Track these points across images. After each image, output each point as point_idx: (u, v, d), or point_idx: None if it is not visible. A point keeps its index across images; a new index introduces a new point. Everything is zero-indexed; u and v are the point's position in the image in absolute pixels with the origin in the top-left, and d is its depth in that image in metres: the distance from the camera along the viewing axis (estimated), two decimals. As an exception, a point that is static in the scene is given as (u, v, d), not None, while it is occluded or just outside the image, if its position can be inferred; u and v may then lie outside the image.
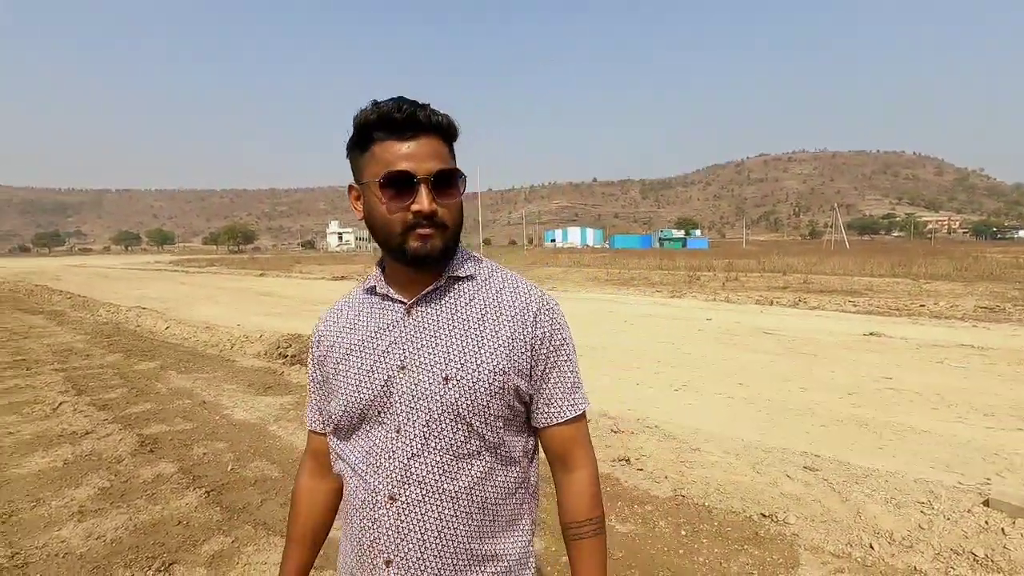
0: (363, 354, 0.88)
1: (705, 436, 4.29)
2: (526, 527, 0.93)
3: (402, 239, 0.83)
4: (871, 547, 2.68)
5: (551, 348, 0.89)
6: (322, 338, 0.95)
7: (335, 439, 0.94)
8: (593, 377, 6.14)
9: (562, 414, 0.90)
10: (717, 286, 17.75)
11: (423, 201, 0.80)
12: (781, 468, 3.57)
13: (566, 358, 0.91)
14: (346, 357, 0.90)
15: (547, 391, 0.89)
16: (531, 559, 0.94)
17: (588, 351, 7.75)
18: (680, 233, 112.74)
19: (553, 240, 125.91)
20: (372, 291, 0.93)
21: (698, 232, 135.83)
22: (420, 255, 0.83)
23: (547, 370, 0.89)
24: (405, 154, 0.81)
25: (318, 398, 0.98)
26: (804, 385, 5.91)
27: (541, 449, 0.96)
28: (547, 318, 0.89)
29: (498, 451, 0.87)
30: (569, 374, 0.91)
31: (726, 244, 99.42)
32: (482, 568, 0.87)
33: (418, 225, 0.81)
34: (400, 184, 0.80)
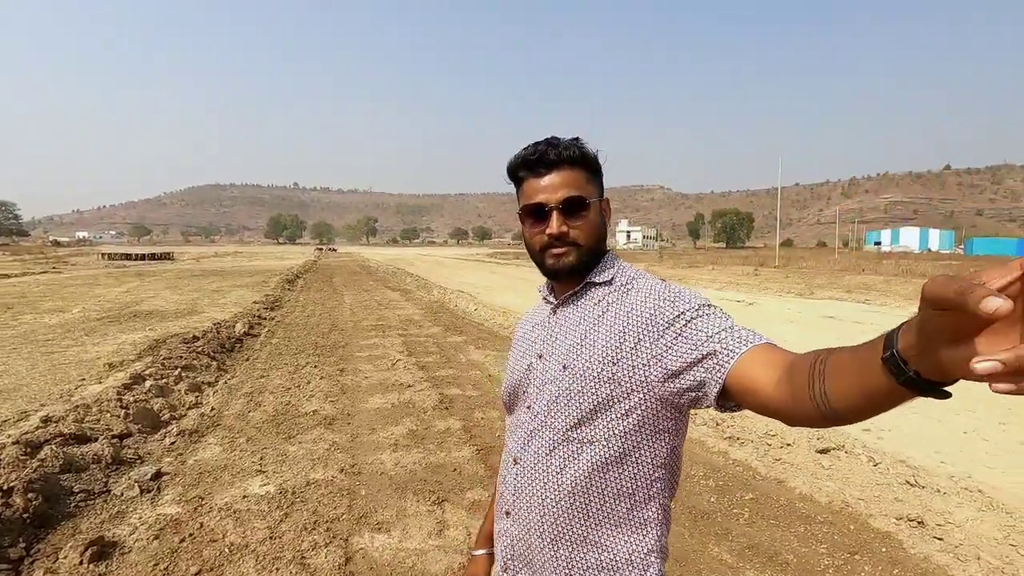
0: (522, 344, 1.08)
1: (1065, 521, 3.11)
2: (649, 535, 0.90)
3: (541, 257, 0.98)
4: None
5: (682, 324, 0.83)
6: (515, 330, 1.17)
7: (506, 415, 1.11)
8: (897, 414, 5.00)
9: (733, 352, 0.77)
10: None
11: (553, 225, 0.94)
12: None
13: (706, 320, 0.83)
14: (515, 345, 1.11)
15: (701, 351, 0.80)
16: (651, 572, 0.90)
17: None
18: (1093, 237, 79.39)
19: (878, 243, 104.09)
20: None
21: None
22: (554, 270, 0.98)
23: (687, 341, 0.82)
24: (540, 187, 0.96)
25: None
26: None
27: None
28: (667, 306, 0.87)
29: (611, 444, 0.89)
30: (717, 325, 0.81)
31: None
32: (584, 551, 0.90)
33: (552, 246, 0.96)
34: (537, 214, 0.96)
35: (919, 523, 3.05)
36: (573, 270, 0.97)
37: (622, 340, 0.88)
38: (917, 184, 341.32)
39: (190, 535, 2.82)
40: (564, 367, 0.93)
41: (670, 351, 0.84)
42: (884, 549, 2.82)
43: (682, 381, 0.83)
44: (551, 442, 0.93)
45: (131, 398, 4.98)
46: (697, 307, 0.86)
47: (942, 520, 3.09)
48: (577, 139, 0.97)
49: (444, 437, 4.34)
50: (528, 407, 0.99)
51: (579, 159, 0.96)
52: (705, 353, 0.80)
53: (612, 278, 0.98)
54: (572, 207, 0.94)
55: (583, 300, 0.99)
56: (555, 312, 1.02)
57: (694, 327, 0.83)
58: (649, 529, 0.91)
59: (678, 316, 0.85)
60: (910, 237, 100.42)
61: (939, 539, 2.90)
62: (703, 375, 0.80)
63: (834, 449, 4.07)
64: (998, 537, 2.92)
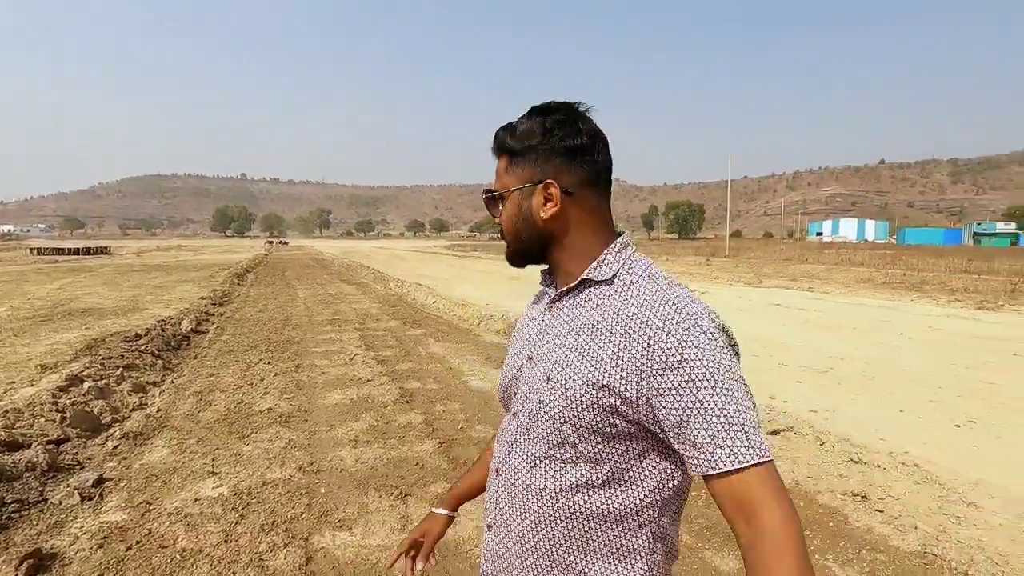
0: (519, 339, 0.97)
1: (991, 490, 3.36)
2: (636, 567, 0.81)
3: None
4: None
5: (681, 379, 0.72)
6: (520, 317, 1.04)
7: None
8: (840, 396, 5.27)
9: (715, 464, 0.70)
10: (1059, 299, 13.23)
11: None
12: (1111, 555, 2.60)
13: (710, 392, 0.71)
14: (514, 337, 1.00)
15: (687, 431, 0.72)
16: None
17: (838, 363, 6.66)
18: (1008, 227, 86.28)
19: (819, 233, 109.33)
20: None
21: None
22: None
23: (679, 404, 0.72)
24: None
25: None
26: None
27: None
28: (670, 341, 0.73)
29: (599, 467, 0.80)
30: (716, 411, 0.71)
31: (1090, 243, 72.49)
32: None
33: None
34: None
35: (862, 497, 3.22)
36: (510, 262, 0.95)
37: (613, 365, 0.77)
38: (855, 177, 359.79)
39: (137, 543, 2.67)
40: (548, 379, 0.83)
41: (661, 399, 0.74)
42: (831, 523, 2.96)
43: (667, 434, 0.76)
44: (533, 457, 0.85)
45: (68, 401, 4.68)
46: (705, 365, 0.72)
47: (883, 494, 3.27)
48: (529, 113, 0.88)
49: (405, 431, 4.28)
50: (515, 414, 0.90)
51: (499, 147, 0.90)
52: (691, 439, 0.72)
53: (614, 276, 0.84)
54: (495, 199, 0.92)
55: (580, 299, 0.87)
56: (551, 307, 0.91)
57: (692, 392, 0.72)
58: (636, 560, 0.81)
59: (679, 363, 0.72)
60: (848, 228, 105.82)
61: (880, 511, 3.08)
62: (682, 451, 0.75)
63: (784, 430, 4.25)
64: (932, 507, 3.12)
